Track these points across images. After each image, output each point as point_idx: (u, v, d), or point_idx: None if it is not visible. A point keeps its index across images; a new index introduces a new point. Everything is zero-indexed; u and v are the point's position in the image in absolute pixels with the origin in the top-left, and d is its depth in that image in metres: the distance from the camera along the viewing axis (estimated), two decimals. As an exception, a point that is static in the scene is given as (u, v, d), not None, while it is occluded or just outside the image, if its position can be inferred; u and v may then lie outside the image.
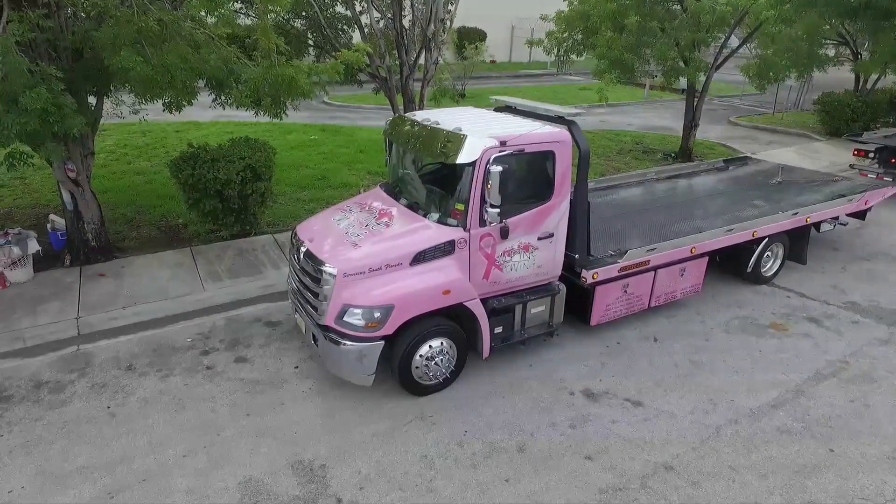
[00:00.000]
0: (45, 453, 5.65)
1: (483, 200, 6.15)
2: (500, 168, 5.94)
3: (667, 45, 13.56)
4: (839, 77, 22.36)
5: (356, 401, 6.45)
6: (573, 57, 16.69)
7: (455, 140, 6.23)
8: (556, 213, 6.74)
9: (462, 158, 6.08)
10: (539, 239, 6.72)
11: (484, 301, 6.67)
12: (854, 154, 14.44)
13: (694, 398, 6.59)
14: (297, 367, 7.06)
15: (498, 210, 6.11)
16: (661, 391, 6.70)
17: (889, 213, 12.81)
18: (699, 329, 8.05)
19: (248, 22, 9.99)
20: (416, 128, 6.91)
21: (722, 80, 28.49)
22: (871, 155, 13.96)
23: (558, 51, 16.76)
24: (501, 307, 6.78)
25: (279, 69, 7.77)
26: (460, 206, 6.28)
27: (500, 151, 6.14)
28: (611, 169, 14.79)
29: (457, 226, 6.30)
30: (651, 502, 5.18)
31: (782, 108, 23.46)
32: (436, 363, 6.37)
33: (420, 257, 6.16)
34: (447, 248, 6.26)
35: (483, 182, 6.08)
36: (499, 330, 6.87)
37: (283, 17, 11.70)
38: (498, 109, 8.09)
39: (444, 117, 7.03)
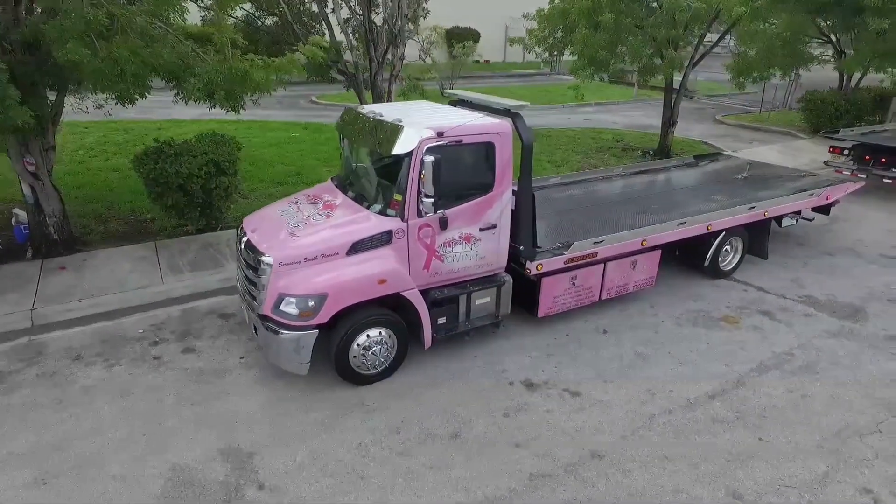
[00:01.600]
0: (-17, 439, 5.72)
1: (420, 191, 6.19)
2: (432, 158, 5.99)
3: (641, 43, 13.57)
4: (829, 76, 22.32)
5: (299, 390, 6.50)
6: (554, 55, 16.70)
7: (393, 131, 6.29)
8: (498, 205, 6.78)
9: (398, 149, 6.13)
10: (481, 230, 6.76)
11: (426, 292, 6.72)
12: (829, 151, 14.45)
13: (633, 389, 6.62)
14: (243, 357, 7.12)
15: (432, 200, 6.15)
16: (601, 382, 6.73)
17: (859, 209, 12.83)
18: (651, 321, 8.08)
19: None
20: (362, 120, 6.96)
21: (713, 80, 28.62)
22: (846, 152, 13.97)
23: (540, 49, 16.79)
24: (444, 298, 6.83)
25: (233, 63, 7.83)
26: (398, 197, 6.33)
27: (437, 142, 6.18)
28: (588, 166, 14.82)
29: (395, 216, 6.35)
30: (578, 489, 5.21)
31: (771, 107, 23.44)
32: (373, 353, 6.42)
33: (357, 247, 6.21)
34: (385, 239, 6.30)
35: (420, 172, 6.12)
36: (442, 321, 6.91)
37: (255, 15, 11.80)
38: (452, 103, 8.13)
39: (390, 110, 7.09)
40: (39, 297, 8.20)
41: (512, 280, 7.27)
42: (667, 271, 9.35)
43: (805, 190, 9.91)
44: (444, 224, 6.46)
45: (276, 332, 6.12)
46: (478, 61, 37.62)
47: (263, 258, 6.18)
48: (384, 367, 6.62)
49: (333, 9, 11.78)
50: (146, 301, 8.36)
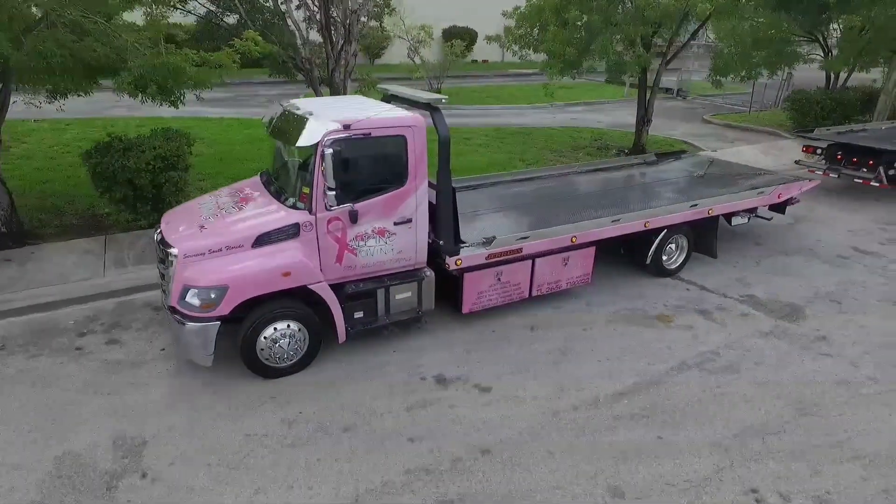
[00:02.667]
0: None
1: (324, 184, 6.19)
2: (331, 151, 5.99)
3: (609, 41, 13.45)
4: (823, 75, 21.98)
5: (208, 382, 6.52)
6: (530, 52, 16.62)
7: (300, 124, 6.29)
8: (413, 199, 6.75)
9: (303, 141, 6.13)
10: (396, 224, 6.74)
11: (341, 285, 6.72)
12: (803, 150, 14.25)
13: (546, 385, 6.56)
14: (163, 349, 7.16)
15: (335, 193, 6.15)
16: (515, 378, 6.68)
17: (827, 210, 12.64)
18: (582, 319, 8.00)
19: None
20: (281, 114, 6.98)
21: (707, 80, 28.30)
22: (819, 151, 13.76)
23: (517, 48, 16.73)
24: (359, 292, 6.82)
25: (166, 57, 7.89)
26: (306, 190, 6.35)
27: (343, 135, 6.18)
28: (559, 164, 14.70)
29: (304, 209, 6.36)
30: (454, 483, 5.17)
31: (761, 107, 23.15)
32: (280, 346, 6.41)
33: (262, 240, 6.23)
34: (292, 232, 6.31)
35: (321, 165, 6.12)
36: (359, 314, 6.91)
37: (217, 13, 11.88)
38: (384, 98, 8.12)
39: (310, 104, 7.10)
40: (-22, 289, 8.32)
41: (434, 275, 7.23)
42: (612, 269, 9.30)
43: (756, 188, 9.75)
44: (354, 218, 6.45)
45: (182, 324, 6.15)
46: (475, 61, 37.66)
47: (170, 250, 6.22)
48: (295, 360, 6.61)
49: (284, 1, 11.75)
50: (85, 294, 8.44)
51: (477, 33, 34.63)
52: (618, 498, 5.04)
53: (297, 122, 6.38)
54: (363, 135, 6.33)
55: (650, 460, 5.44)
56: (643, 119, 15.75)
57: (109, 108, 16.86)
